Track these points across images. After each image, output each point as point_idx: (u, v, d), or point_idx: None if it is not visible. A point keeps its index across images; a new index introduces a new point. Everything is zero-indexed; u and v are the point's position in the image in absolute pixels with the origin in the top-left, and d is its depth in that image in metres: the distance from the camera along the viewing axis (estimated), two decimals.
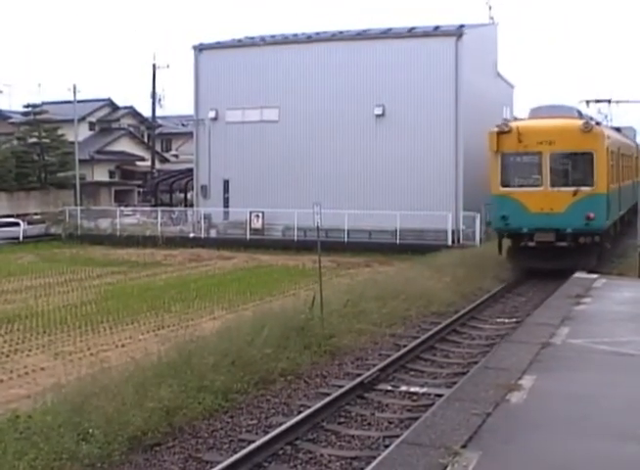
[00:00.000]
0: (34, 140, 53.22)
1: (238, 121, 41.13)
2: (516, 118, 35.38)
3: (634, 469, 7.83)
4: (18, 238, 40.56)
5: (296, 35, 42.81)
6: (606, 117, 31.57)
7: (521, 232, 24.59)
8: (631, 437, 8.62)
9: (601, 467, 7.89)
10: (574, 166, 25.39)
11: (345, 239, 36.07)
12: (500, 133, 24.82)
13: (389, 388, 12.85)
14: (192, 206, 44.63)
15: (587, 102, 33.71)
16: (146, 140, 64.48)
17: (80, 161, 50.26)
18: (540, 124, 25.37)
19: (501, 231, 25.51)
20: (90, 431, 9.47)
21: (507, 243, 25.70)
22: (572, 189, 24.46)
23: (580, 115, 27.17)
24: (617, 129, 34.38)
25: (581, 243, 24.47)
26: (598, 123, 27.29)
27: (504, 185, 25.11)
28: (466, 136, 37.39)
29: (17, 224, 41.80)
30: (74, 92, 48.66)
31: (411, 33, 39.78)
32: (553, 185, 24.59)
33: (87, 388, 10.97)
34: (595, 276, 22.53)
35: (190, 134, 46.35)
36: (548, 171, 24.64)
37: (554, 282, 23.50)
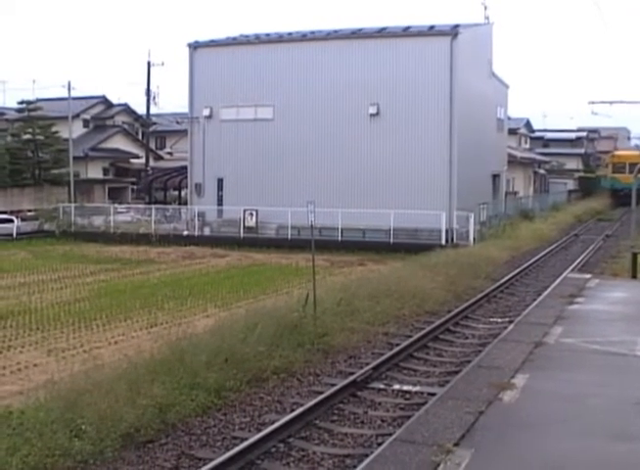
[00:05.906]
0: (28, 137, 52.98)
1: (232, 119, 41.05)
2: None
3: (623, 468, 7.87)
4: (11, 235, 40.37)
5: (290, 34, 42.73)
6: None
7: (618, 189, 70.82)
8: (622, 436, 8.67)
9: (591, 466, 7.93)
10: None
11: (339, 238, 35.99)
12: (612, 156, 78.80)
13: (382, 386, 12.88)
14: (186, 203, 44.51)
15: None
16: (140, 137, 64.36)
17: (74, 158, 50.10)
18: (626, 153, 78.69)
19: (611, 189, 75.29)
20: (83, 427, 9.46)
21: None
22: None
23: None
24: None
25: None
26: None
27: (613, 173, 75.41)
28: (460, 135, 37.41)
29: (10, 221, 41.64)
30: (69, 89, 48.48)
31: (406, 33, 39.75)
32: (629, 173, 60.77)
33: (80, 384, 10.94)
34: (588, 276, 22.86)
35: (184, 132, 46.20)
36: (627, 169, 66.24)
37: (547, 282, 23.83)
